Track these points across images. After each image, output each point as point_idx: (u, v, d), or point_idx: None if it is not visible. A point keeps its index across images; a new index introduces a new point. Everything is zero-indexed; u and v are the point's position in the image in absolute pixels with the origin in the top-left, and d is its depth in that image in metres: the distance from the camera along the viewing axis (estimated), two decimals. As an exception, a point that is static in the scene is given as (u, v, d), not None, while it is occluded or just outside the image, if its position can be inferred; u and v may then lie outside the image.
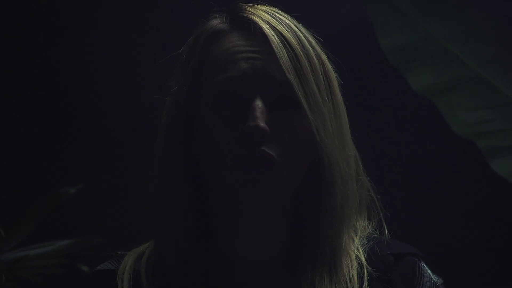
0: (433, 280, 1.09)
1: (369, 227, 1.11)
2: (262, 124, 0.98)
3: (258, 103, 1.00)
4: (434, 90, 1.82)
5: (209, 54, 1.05)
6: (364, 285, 1.04)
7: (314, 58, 1.04)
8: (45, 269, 1.58)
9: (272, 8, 1.06)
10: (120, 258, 1.08)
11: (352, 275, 1.05)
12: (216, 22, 1.06)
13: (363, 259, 1.06)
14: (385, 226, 1.12)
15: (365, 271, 1.05)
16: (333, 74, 1.06)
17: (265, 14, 1.05)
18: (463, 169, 1.89)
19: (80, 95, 1.91)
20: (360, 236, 1.09)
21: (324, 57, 1.06)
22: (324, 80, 1.05)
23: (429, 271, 1.10)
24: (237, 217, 1.04)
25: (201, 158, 1.03)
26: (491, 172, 1.72)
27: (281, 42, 1.02)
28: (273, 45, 1.01)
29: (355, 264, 1.06)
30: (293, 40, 1.03)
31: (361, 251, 1.07)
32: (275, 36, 1.02)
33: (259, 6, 1.06)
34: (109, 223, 1.80)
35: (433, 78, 1.83)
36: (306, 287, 1.03)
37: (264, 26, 1.02)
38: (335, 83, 1.06)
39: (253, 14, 1.04)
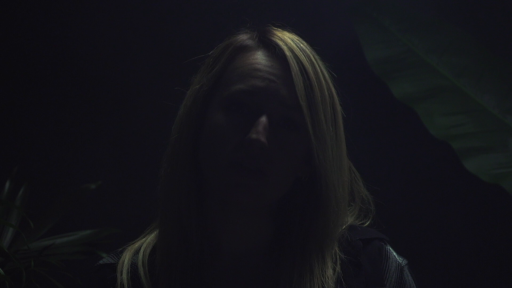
0: (398, 261, 1.09)
1: (360, 223, 1.13)
2: (263, 139, 0.98)
3: (264, 120, 0.99)
4: (413, 98, 1.82)
5: (233, 64, 1.05)
6: (337, 269, 1.05)
7: (326, 90, 1.04)
8: (69, 256, 1.58)
9: (298, 37, 1.06)
10: (120, 252, 1.10)
11: (328, 268, 1.06)
12: (246, 37, 1.06)
13: (337, 250, 1.07)
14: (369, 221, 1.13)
15: (338, 257, 1.06)
16: (339, 108, 1.06)
17: (291, 42, 1.04)
18: (441, 168, 1.89)
19: (103, 101, 1.92)
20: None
21: (334, 91, 1.06)
22: (331, 111, 1.04)
23: (394, 253, 1.10)
24: (227, 214, 1.05)
25: (202, 155, 1.04)
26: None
27: (299, 70, 1.01)
28: (293, 72, 1.01)
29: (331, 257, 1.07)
30: (310, 71, 1.02)
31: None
32: (296, 64, 1.02)
33: (287, 33, 1.06)
34: (123, 216, 1.80)
35: (412, 87, 1.84)
36: (284, 276, 1.04)
37: (288, 53, 1.02)
38: (340, 116, 1.06)
39: (280, 39, 1.04)
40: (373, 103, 1.89)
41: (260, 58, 1.04)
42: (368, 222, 1.14)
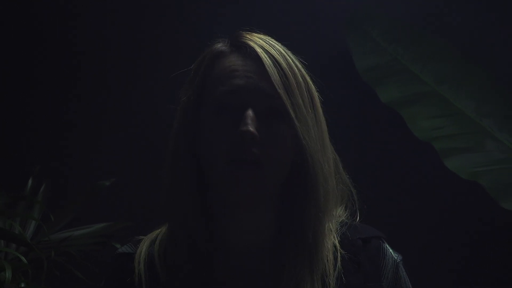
0: (394, 258, 1.09)
1: (344, 215, 1.11)
2: (252, 129, 0.98)
3: (250, 113, 1.00)
4: (398, 102, 1.84)
5: (212, 71, 1.05)
6: (337, 265, 1.04)
7: (300, 77, 1.05)
8: (86, 246, 1.61)
9: (266, 36, 1.07)
10: (137, 242, 1.11)
11: (328, 257, 1.05)
12: (219, 45, 1.07)
13: (337, 243, 1.07)
14: (358, 214, 1.12)
15: (339, 254, 1.06)
16: (315, 92, 1.07)
17: (260, 40, 1.06)
18: (423, 166, 1.90)
19: (117, 109, 1.94)
20: (335, 223, 1.09)
21: (308, 77, 1.07)
22: (308, 96, 1.05)
23: (390, 250, 1.10)
24: (231, 208, 1.05)
25: (202, 157, 1.04)
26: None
27: (272, 63, 1.03)
28: (266, 65, 1.02)
29: (331, 247, 1.06)
30: (282, 62, 1.04)
31: (335, 236, 1.07)
32: (268, 58, 1.03)
33: (255, 34, 1.07)
34: (135, 210, 1.82)
35: (398, 92, 1.85)
36: (289, 268, 1.03)
37: (258, 50, 1.03)
38: (317, 99, 1.07)
39: (250, 40, 1.05)
40: (362, 107, 1.91)
41: (235, 60, 1.04)
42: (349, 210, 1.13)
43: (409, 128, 1.78)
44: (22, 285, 1.32)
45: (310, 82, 1.07)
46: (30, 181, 1.66)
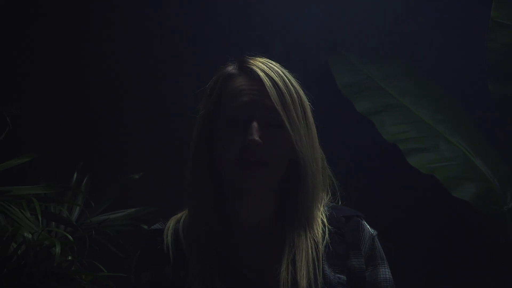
0: (371, 232, 1.12)
1: (328, 199, 1.14)
2: (256, 138, 1.01)
3: (254, 124, 1.02)
4: (371, 112, 1.85)
5: (225, 90, 1.07)
6: (325, 237, 1.08)
7: (294, 94, 1.06)
8: (119, 227, 1.60)
9: (267, 59, 1.09)
10: (166, 220, 1.13)
11: (318, 231, 1.08)
12: (230, 68, 1.09)
13: (325, 220, 1.10)
14: (339, 199, 1.15)
15: (327, 229, 1.09)
16: (307, 104, 1.09)
17: (261, 64, 1.07)
18: (390, 163, 1.89)
19: (149, 114, 1.90)
20: (324, 206, 1.12)
21: (301, 92, 1.08)
22: (301, 109, 1.06)
23: (368, 226, 1.13)
24: (240, 198, 1.08)
25: (217, 159, 1.07)
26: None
27: (271, 83, 1.04)
28: (266, 86, 1.04)
29: (320, 224, 1.09)
30: (279, 82, 1.05)
31: (324, 215, 1.10)
32: (268, 79, 1.04)
33: (258, 58, 1.09)
34: (160, 197, 1.79)
35: (370, 104, 1.86)
36: (288, 241, 1.05)
37: (261, 74, 1.05)
38: (309, 110, 1.09)
39: (253, 64, 1.07)
40: (341, 116, 1.91)
41: (242, 81, 1.05)
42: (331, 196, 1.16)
43: (379, 132, 1.81)
44: (69, 258, 1.33)
45: (303, 96, 1.08)
46: (75, 175, 1.66)
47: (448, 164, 1.75)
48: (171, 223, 1.11)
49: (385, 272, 1.10)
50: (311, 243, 1.05)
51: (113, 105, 1.92)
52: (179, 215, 1.13)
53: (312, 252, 1.04)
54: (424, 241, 1.89)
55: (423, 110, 1.83)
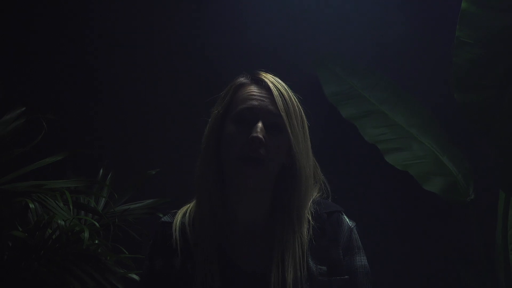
0: (349, 224, 1.13)
1: (317, 195, 1.15)
2: (260, 135, 1.02)
3: (260, 124, 1.04)
4: (354, 117, 1.85)
5: (236, 94, 1.10)
6: (310, 232, 1.09)
7: (296, 106, 1.09)
8: (139, 216, 1.61)
9: (275, 77, 1.12)
10: (174, 214, 1.14)
11: (304, 228, 1.08)
12: (243, 78, 1.12)
13: (310, 218, 1.10)
14: (330, 196, 1.16)
15: (310, 225, 1.09)
16: (304, 116, 1.11)
17: (271, 78, 1.11)
18: (371, 161, 1.87)
19: (166, 118, 1.86)
20: (311, 203, 1.13)
21: (300, 107, 1.11)
22: (300, 119, 1.09)
23: (347, 219, 1.14)
24: (240, 194, 1.08)
25: (222, 155, 1.07)
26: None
27: (278, 94, 1.07)
28: (274, 95, 1.07)
29: (307, 223, 1.10)
30: (285, 94, 1.08)
31: (310, 213, 1.10)
32: (276, 90, 1.07)
33: (268, 73, 1.13)
34: (173, 190, 1.75)
35: (354, 110, 1.86)
36: (278, 234, 1.06)
37: (270, 84, 1.08)
38: (305, 122, 1.11)
39: (264, 76, 1.11)
40: (329, 122, 1.90)
41: (253, 88, 1.08)
42: (325, 195, 1.16)
43: (361, 134, 1.80)
44: (96, 241, 1.32)
45: (302, 110, 1.11)
46: (101, 171, 1.67)
47: (420, 161, 1.75)
48: (178, 217, 1.11)
49: (361, 259, 1.10)
50: (298, 241, 1.04)
51: (132, 112, 1.88)
52: (185, 207, 1.14)
53: (298, 249, 1.03)
54: (400, 229, 1.88)
55: (398, 116, 1.83)
